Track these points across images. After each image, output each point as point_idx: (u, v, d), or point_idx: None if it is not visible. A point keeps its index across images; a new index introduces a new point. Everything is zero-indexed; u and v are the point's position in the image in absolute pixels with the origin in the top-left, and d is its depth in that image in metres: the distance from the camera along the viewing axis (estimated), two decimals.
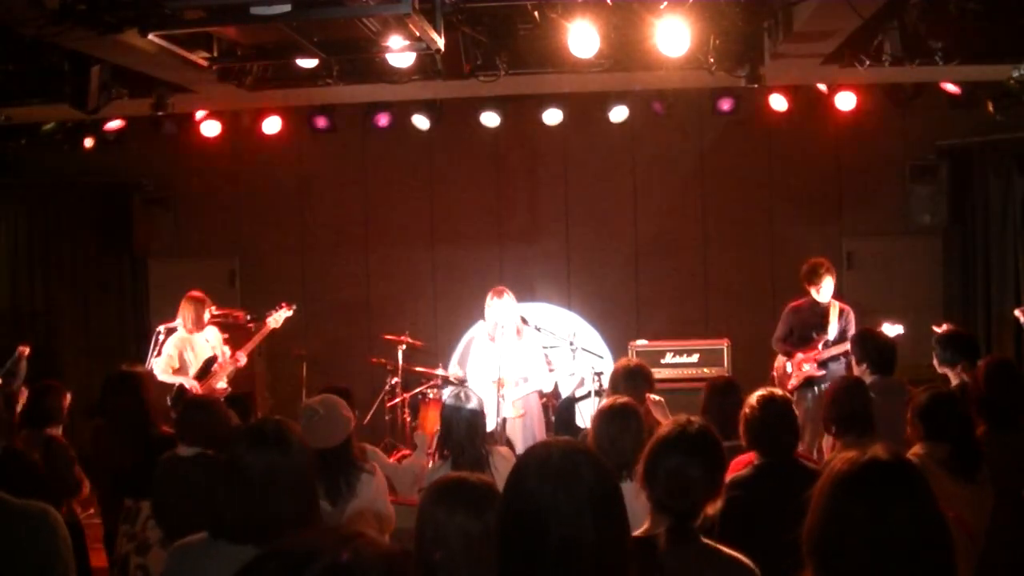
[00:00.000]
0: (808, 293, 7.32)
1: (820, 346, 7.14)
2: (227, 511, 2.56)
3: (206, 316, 7.46)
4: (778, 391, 3.95)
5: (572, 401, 8.17)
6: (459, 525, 2.39)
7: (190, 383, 7.12)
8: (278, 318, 7.69)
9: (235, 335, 7.78)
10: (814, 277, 7.19)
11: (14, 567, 2.65)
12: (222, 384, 7.37)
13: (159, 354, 7.32)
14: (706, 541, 2.69)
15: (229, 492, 2.58)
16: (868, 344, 5.62)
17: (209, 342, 7.46)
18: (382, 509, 4.19)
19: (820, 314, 7.21)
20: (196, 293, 7.49)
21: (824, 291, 7.20)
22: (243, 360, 7.54)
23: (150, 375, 5.52)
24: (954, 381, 5.26)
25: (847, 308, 7.24)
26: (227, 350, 7.52)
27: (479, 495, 2.46)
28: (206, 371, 7.29)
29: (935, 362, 5.48)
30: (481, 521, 2.37)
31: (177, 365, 7.27)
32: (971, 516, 3.55)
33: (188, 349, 7.37)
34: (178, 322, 7.48)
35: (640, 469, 2.73)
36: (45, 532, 2.69)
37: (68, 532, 2.77)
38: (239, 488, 2.56)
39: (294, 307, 7.81)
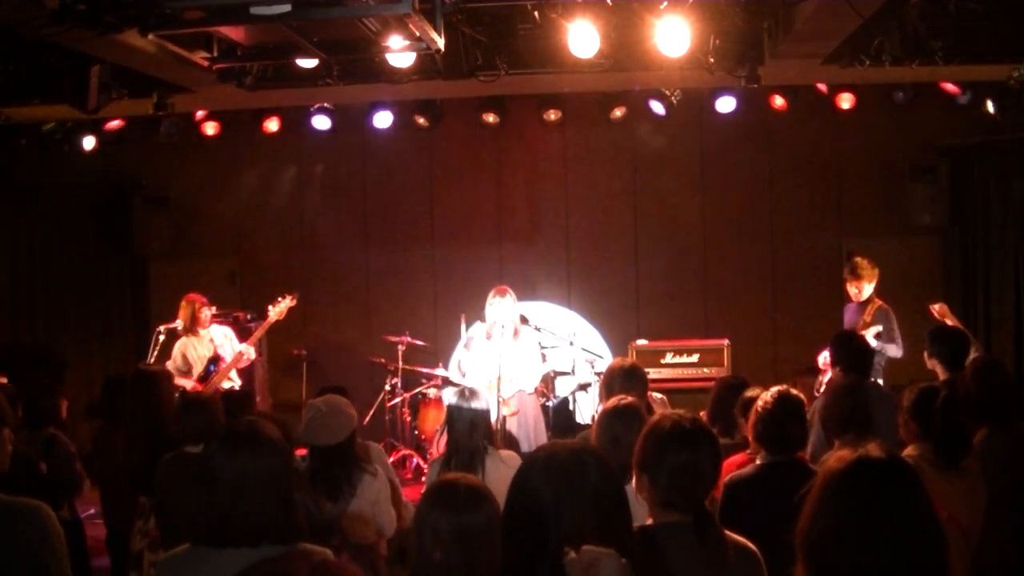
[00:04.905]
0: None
1: None
2: (203, 515, 2.54)
3: (204, 316, 7.48)
4: (794, 390, 3.95)
5: (569, 399, 8.18)
6: (443, 524, 2.43)
7: (192, 386, 7.12)
8: (281, 309, 7.65)
9: (237, 335, 7.79)
10: (848, 275, 7.17)
11: (8, 563, 2.65)
12: (227, 384, 7.36)
13: (162, 356, 7.33)
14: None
15: (203, 495, 2.56)
16: (844, 346, 5.63)
17: (213, 342, 7.48)
18: (383, 512, 4.19)
19: (861, 310, 7.10)
20: (190, 295, 7.54)
21: (850, 291, 7.15)
22: (251, 353, 7.53)
23: (167, 374, 5.55)
24: (940, 375, 5.28)
25: (886, 308, 7.07)
26: (237, 345, 7.51)
27: (465, 496, 2.50)
28: (209, 372, 7.29)
29: (924, 355, 5.51)
30: (463, 520, 2.41)
31: (184, 368, 7.29)
32: (964, 514, 3.55)
33: (191, 349, 7.40)
34: (178, 323, 7.49)
35: (638, 465, 2.72)
36: (38, 528, 2.69)
37: (62, 529, 2.77)
38: (212, 491, 2.54)
39: (296, 296, 7.77)
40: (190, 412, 4.59)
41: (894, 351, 6.85)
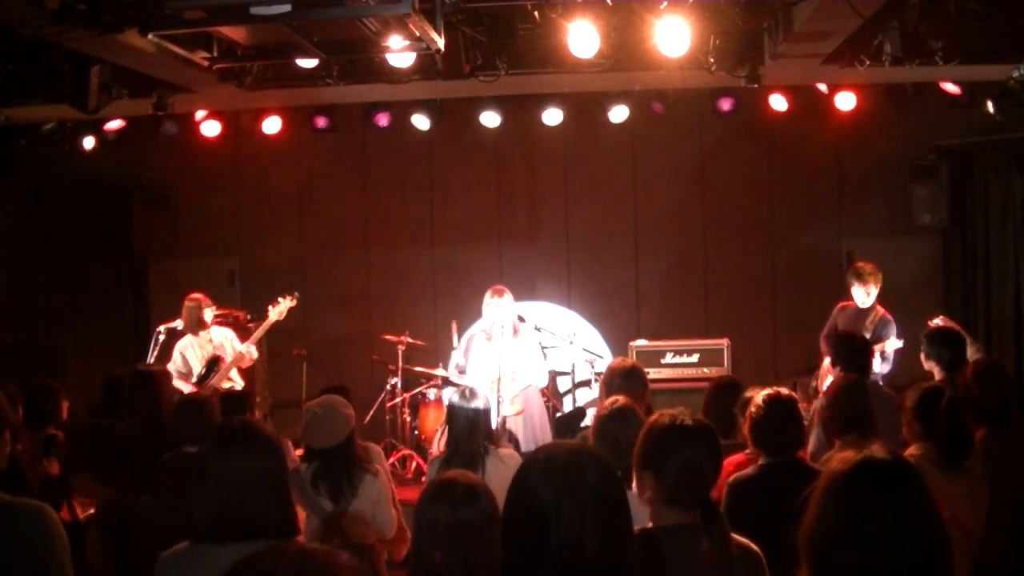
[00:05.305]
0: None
1: None
2: (199, 512, 2.56)
3: (207, 316, 7.45)
4: (784, 390, 3.92)
5: (581, 411, 8.12)
6: (440, 518, 2.49)
7: (189, 390, 7.09)
8: (281, 309, 7.58)
9: (236, 335, 7.77)
10: (854, 280, 6.99)
11: (10, 564, 2.65)
12: (228, 384, 7.34)
13: (162, 356, 7.31)
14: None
15: (198, 492, 2.58)
16: (844, 346, 5.62)
17: (212, 342, 7.45)
18: (383, 512, 4.19)
19: (862, 317, 6.94)
20: (193, 295, 7.50)
21: (857, 297, 6.99)
22: (253, 353, 7.47)
23: (167, 374, 5.55)
24: (937, 376, 5.28)
25: (888, 316, 6.93)
26: (237, 346, 7.46)
27: (462, 491, 2.54)
28: (208, 373, 7.27)
29: (921, 357, 5.49)
30: (459, 515, 2.46)
31: (184, 370, 7.27)
32: (966, 514, 3.55)
33: (191, 350, 7.38)
34: (178, 323, 7.48)
35: (640, 463, 2.72)
36: (40, 529, 2.70)
37: (64, 530, 2.77)
38: (207, 488, 2.56)
39: (296, 296, 7.71)
40: (186, 413, 4.60)
41: (885, 368, 6.70)
